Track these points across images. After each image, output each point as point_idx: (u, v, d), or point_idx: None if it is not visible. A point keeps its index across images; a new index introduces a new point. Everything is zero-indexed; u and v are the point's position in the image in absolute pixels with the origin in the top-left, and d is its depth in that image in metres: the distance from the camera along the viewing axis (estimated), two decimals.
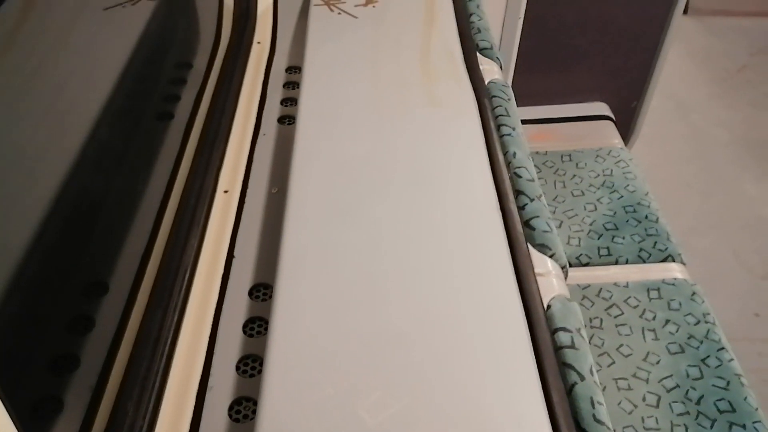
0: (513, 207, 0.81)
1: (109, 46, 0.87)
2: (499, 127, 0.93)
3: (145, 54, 0.95)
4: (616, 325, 1.27)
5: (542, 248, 0.76)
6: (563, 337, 0.65)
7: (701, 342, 1.20)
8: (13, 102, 0.63)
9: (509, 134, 0.91)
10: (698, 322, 1.24)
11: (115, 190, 0.83)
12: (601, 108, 1.94)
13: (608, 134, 1.84)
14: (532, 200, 0.82)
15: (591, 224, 1.52)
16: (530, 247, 0.77)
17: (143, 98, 0.96)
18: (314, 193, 0.82)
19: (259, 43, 1.26)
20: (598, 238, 1.47)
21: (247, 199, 0.94)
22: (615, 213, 1.53)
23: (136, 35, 0.94)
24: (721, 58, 2.95)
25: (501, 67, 1.10)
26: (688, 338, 1.22)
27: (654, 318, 1.27)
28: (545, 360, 0.63)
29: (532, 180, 0.85)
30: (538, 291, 0.70)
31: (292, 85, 1.17)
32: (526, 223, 0.79)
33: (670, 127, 2.55)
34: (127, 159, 0.87)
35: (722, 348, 1.19)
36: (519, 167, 0.86)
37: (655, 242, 1.44)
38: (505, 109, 0.95)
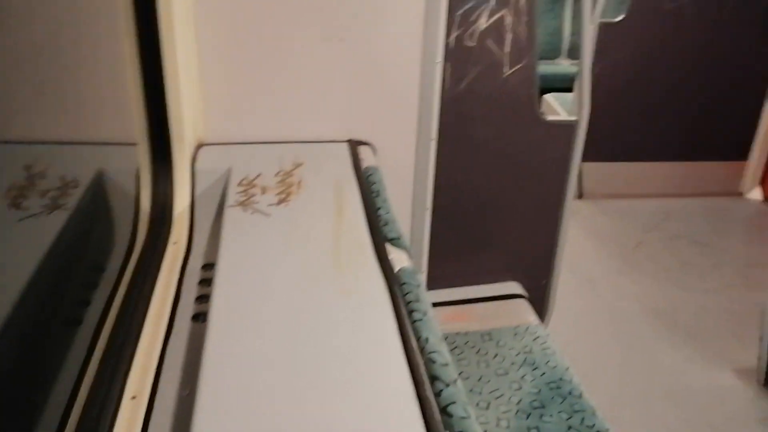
0: (430, 395, 0.80)
1: (19, 256, 0.86)
2: (410, 312, 0.95)
3: (56, 262, 0.95)
4: None
5: None
6: None
7: None
8: None
9: (421, 319, 0.93)
10: None
11: (10, 404, 0.77)
12: (514, 287, 2.02)
13: (523, 312, 1.90)
14: (447, 385, 0.82)
15: (518, 403, 1.51)
16: None
17: (50, 306, 0.93)
18: (224, 393, 0.80)
19: (175, 243, 1.28)
20: (527, 418, 1.46)
21: (155, 404, 0.90)
22: (539, 390, 1.54)
23: (48, 244, 0.94)
24: (618, 236, 3.19)
25: (410, 255, 1.15)
26: None
27: None
28: None
29: (446, 364, 0.85)
30: None
31: (208, 282, 1.17)
32: (444, 410, 0.78)
33: (582, 302, 2.67)
34: (26, 369, 0.83)
35: None
36: (432, 352, 0.87)
37: (582, 418, 1.44)
38: (416, 294, 0.99)
